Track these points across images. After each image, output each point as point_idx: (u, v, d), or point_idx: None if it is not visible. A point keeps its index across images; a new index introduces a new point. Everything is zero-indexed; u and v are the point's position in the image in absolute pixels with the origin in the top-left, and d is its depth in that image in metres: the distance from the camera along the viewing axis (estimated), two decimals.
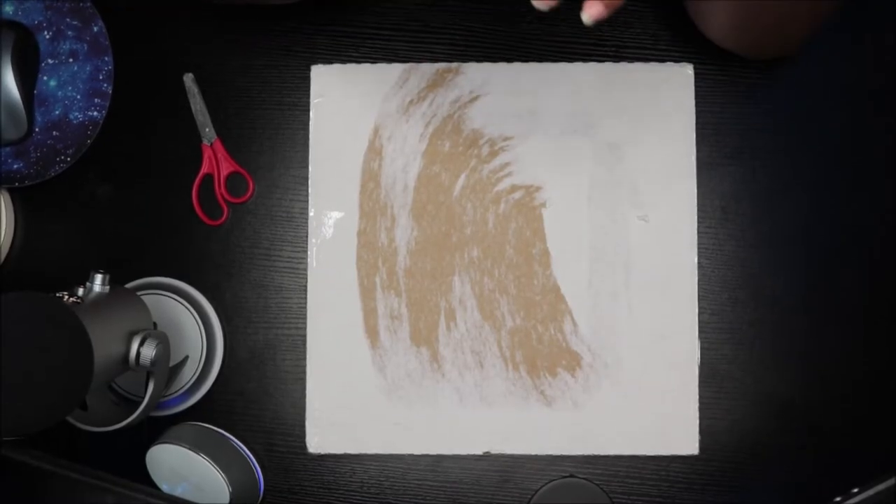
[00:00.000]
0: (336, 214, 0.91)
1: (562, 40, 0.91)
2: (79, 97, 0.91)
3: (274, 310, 0.91)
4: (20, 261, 0.92)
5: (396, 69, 0.91)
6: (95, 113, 0.91)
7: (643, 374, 0.89)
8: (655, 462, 0.90)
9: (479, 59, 0.91)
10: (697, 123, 0.90)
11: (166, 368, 0.81)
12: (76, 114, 0.91)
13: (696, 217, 0.90)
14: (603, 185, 0.90)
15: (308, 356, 0.90)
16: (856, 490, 0.69)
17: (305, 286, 0.91)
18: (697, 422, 0.89)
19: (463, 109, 0.91)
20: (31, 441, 0.84)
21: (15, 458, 0.72)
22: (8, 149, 0.90)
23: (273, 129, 0.92)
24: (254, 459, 0.89)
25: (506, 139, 0.90)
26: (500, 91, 0.91)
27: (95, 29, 0.90)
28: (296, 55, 0.92)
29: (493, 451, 0.90)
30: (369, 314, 0.90)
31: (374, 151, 0.91)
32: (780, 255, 0.90)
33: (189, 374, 0.89)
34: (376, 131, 0.91)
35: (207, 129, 0.92)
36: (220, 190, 0.92)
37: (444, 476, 0.91)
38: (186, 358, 0.90)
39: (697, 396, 0.89)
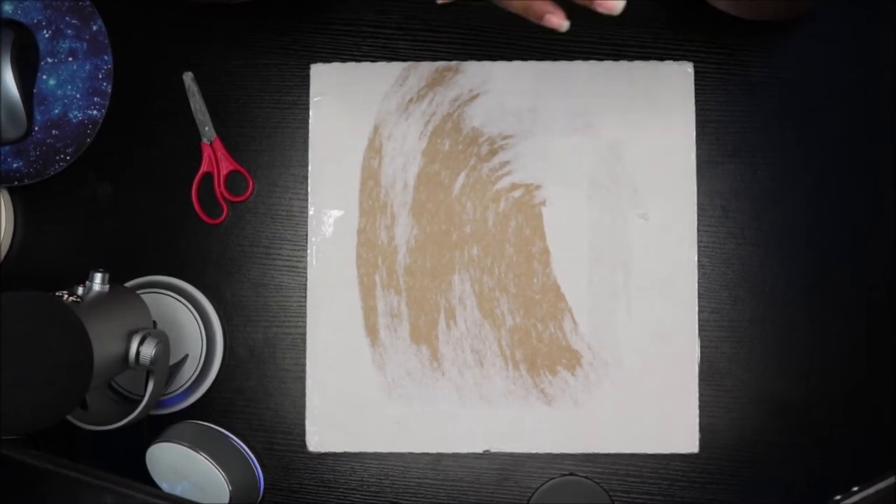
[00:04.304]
0: (336, 213, 0.91)
1: (561, 39, 0.91)
2: (78, 96, 0.91)
3: (274, 308, 0.91)
4: (20, 260, 0.92)
5: (396, 68, 0.91)
6: (95, 112, 0.91)
7: (643, 372, 0.89)
8: (655, 460, 0.90)
9: (478, 58, 0.91)
10: (697, 122, 0.90)
11: (166, 367, 0.81)
12: (75, 112, 0.91)
13: (695, 215, 0.90)
14: (603, 184, 0.90)
15: (308, 354, 0.90)
16: (856, 489, 0.69)
17: (305, 284, 0.91)
18: (697, 420, 0.89)
19: (463, 108, 0.91)
20: (31, 440, 0.84)
21: (15, 458, 0.72)
22: (7, 148, 0.90)
23: (272, 127, 0.92)
24: (254, 458, 0.89)
25: (505, 137, 0.90)
26: (500, 89, 0.91)
27: (95, 27, 0.90)
28: (295, 54, 0.92)
29: (493, 450, 0.90)
30: (369, 312, 0.90)
31: (374, 150, 0.91)
32: (781, 254, 0.90)
33: (189, 372, 0.90)
34: (376, 130, 0.91)
35: (207, 128, 0.92)
36: (220, 188, 0.92)
37: (444, 474, 0.91)
38: (186, 356, 0.90)
39: (697, 395, 0.89)
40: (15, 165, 0.91)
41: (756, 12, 0.87)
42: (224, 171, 0.92)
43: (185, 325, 0.90)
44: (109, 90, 0.90)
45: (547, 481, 0.90)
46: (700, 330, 0.89)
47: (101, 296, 0.77)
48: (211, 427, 0.89)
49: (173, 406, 0.90)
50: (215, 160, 0.91)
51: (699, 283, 0.90)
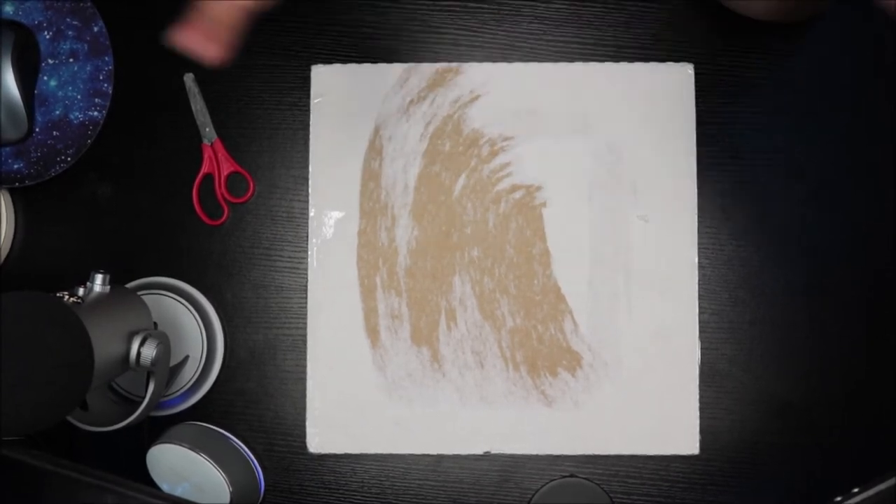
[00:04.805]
0: (336, 214, 0.91)
1: (562, 40, 0.91)
2: (79, 97, 0.91)
3: (274, 309, 0.91)
4: (20, 261, 0.92)
5: (397, 69, 0.91)
6: (96, 113, 0.91)
7: (643, 373, 0.89)
8: (656, 462, 0.90)
9: (479, 59, 0.91)
10: (698, 123, 0.90)
11: (167, 368, 0.81)
12: (76, 114, 0.91)
13: (696, 216, 0.90)
14: (603, 185, 0.90)
15: (308, 356, 0.90)
16: (856, 490, 0.69)
17: (306, 286, 0.91)
18: (698, 421, 0.89)
19: (463, 109, 0.91)
20: (31, 441, 0.84)
21: (15, 458, 0.72)
22: (8, 149, 0.90)
23: (273, 128, 0.92)
24: (254, 459, 0.89)
25: (506, 139, 0.90)
26: (501, 91, 0.91)
27: (96, 29, 0.90)
28: (296, 55, 0.92)
29: (494, 451, 0.90)
30: (370, 314, 0.90)
31: (375, 151, 0.91)
32: (781, 255, 0.90)
33: (189, 373, 0.90)
34: (376, 131, 0.91)
35: (208, 129, 0.92)
36: (221, 190, 0.92)
37: (444, 476, 0.91)
38: (187, 358, 0.90)
39: (698, 396, 0.89)
40: (16, 166, 0.91)
41: (773, 13, 0.87)
42: (225, 173, 0.92)
43: (185, 326, 0.90)
44: (110, 91, 0.91)
45: (547, 483, 0.90)
46: (700, 331, 0.89)
47: (101, 297, 0.77)
48: (211, 428, 0.89)
49: (174, 407, 0.90)
50: (216, 161, 0.92)
51: (699, 284, 0.90)
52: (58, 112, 0.91)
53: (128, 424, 0.81)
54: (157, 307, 0.89)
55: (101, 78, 0.91)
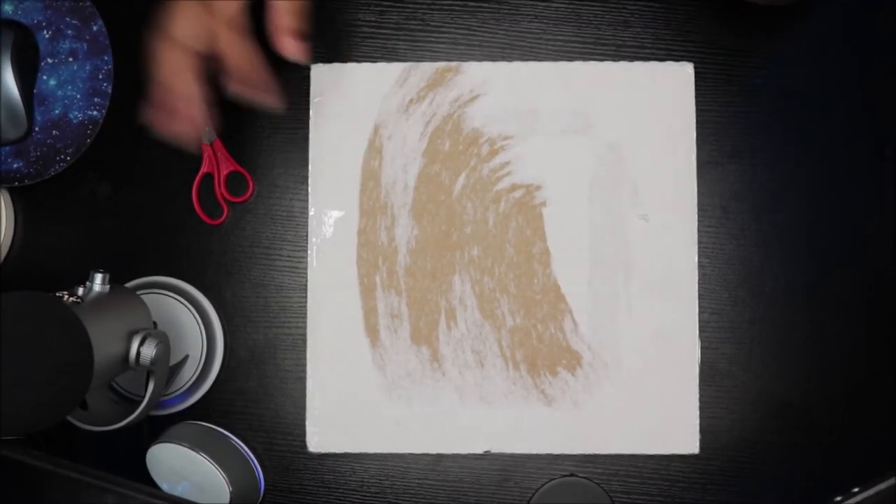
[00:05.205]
0: (336, 213, 0.91)
1: (562, 39, 0.91)
2: (78, 96, 0.91)
3: (274, 309, 0.91)
4: (20, 260, 0.92)
5: (396, 68, 0.91)
6: (95, 112, 0.91)
7: (643, 373, 0.89)
8: (656, 461, 0.90)
9: (479, 59, 0.91)
10: (698, 122, 0.90)
11: (166, 368, 0.81)
12: (76, 113, 0.91)
13: (696, 216, 0.90)
14: (603, 185, 0.90)
15: (308, 355, 0.90)
16: (856, 490, 0.69)
17: (305, 285, 0.91)
18: (698, 421, 0.89)
19: (463, 108, 0.91)
20: (31, 441, 0.84)
21: (15, 458, 0.72)
22: (7, 148, 0.90)
23: (273, 128, 0.92)
24: (254, 458, 0.89)
25: (506, 138, 0.90)
26: (500, 90, 0.91)
27: (95, 28, 0.90)
28: None
29: (494, 450, 0.90)
30: (369, 313, 0.90)
31: (374, 150, 0.91)
32: (781, 254, 0.90)
33: (189, 373, 0.90)
34: (376, 130, 0.91)
35: (207, 129, 0.91)
36: (220, 189, 0.92)
37: (444, 475, 0.91)
38: (186, 357, 0.90)
39: (698, 395, 0.89)
40: (15, 166, 0.91)
41: None
42: (224, 172, 0.92)
43: (185, 325, 0.90)
44: (110, 91, 0.90)
45: (547, 482, 0.90)
46: (700, 331, 0.89)
47: (101, 296, 0.76)
48: (211, 428, 0.89)
49: (174, 407, 0.90)
50: (216, 161, 0.92)
51: (699, 283, 0.89)
52: (57, 111, 0.91)
53: (128, 424, 0.81)
54: (156, 307, 0.89)
55: (100, 77, 0.90)
